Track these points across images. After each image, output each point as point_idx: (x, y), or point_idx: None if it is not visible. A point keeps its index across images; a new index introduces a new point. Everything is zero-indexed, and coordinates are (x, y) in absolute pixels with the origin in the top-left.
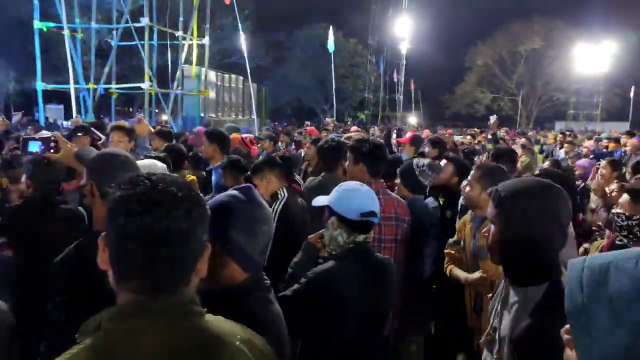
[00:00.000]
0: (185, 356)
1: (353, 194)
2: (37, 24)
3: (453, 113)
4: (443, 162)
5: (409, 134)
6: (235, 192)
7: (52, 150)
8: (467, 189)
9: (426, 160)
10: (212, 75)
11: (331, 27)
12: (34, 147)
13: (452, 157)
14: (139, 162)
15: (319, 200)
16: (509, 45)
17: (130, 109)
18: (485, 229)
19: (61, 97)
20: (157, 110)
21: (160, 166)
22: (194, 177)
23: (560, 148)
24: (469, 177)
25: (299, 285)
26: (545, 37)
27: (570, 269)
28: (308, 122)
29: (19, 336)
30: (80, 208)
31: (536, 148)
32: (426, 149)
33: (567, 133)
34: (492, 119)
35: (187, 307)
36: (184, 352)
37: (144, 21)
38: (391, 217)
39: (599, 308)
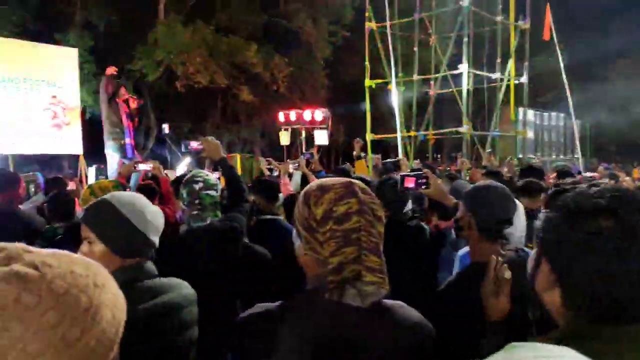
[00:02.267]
0: None
1: None
2: (367, 82)
3: None
4: None
5: None
6: None
7: (424, 187)
8: None
9: None
10: (530, 114)
11: None
12: (409, 183)
13: None
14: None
15: None
16: None
17: (438, 155)
18: None
19: (379, 146)
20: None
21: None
22: None
23: None
24: None
25: None
26: None
27: None
28: None
29: None
30: None
31: None
32: None
33: None
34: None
35: None
36: None
37: (463, 68)
38: None
39: None
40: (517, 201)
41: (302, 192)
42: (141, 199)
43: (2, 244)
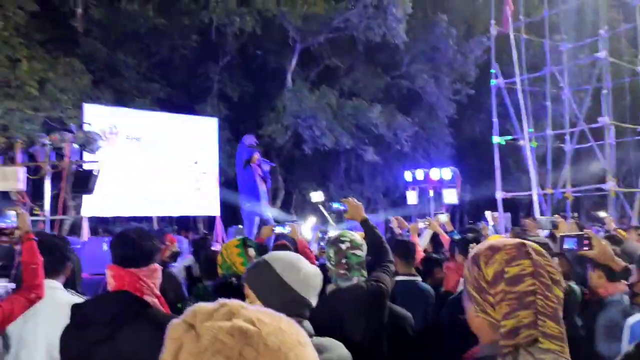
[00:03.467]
0: None
1: None
2: (495, 139)
3: None
4: None
5: None
6: None
7: (586, 248)
8: None
9: None
10: None
11: None
12: (570, 244)
13: None
14: None
15: None
16: None
17: (576, 214)
18: None
19: (508, 205)
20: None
21: None
22: None
23: None
24: None
25: None
26: None
27: None
28: None
29: None
30: None
31: None
32: None
33: None
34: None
35: None
36: None
37: (604, 120)
38: None
39: None
40: None
41: (472, 252)
42: (298, 260)
43: (222, 300)
